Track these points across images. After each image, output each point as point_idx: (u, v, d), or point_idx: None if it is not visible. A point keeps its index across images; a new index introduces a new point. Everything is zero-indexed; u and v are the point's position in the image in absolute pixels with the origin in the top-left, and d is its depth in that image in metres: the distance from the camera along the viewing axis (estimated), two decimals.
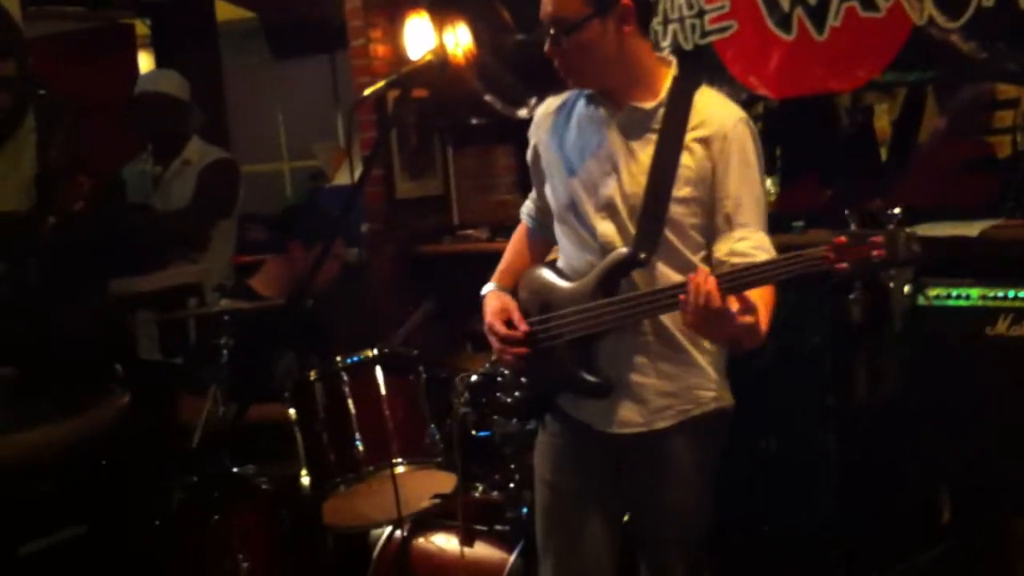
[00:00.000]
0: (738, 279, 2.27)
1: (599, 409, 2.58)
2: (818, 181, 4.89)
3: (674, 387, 2.55)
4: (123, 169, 4.96)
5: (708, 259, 2.51)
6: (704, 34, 4.25)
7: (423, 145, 5.50)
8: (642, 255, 2.45)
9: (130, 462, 3.32)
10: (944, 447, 3.34)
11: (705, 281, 2.23)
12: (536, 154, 2.72)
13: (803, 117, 4.81)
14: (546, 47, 2.49)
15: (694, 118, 2.47)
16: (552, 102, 2.71)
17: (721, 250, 2.46)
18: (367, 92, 2.60)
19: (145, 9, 6.65)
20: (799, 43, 3.98)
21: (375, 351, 3.28)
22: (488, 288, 2.74)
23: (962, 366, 3.28)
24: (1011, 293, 3.19)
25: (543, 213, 2.79)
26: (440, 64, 2.59)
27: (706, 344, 2.56)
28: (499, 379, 2.78)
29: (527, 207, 2.88)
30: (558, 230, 2.67)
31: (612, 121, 2.53)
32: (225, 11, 7.15)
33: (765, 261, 2.32)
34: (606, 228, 2.52)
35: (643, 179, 2.47)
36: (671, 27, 4.30)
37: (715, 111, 2.49)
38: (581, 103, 2.60)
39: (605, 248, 2.52)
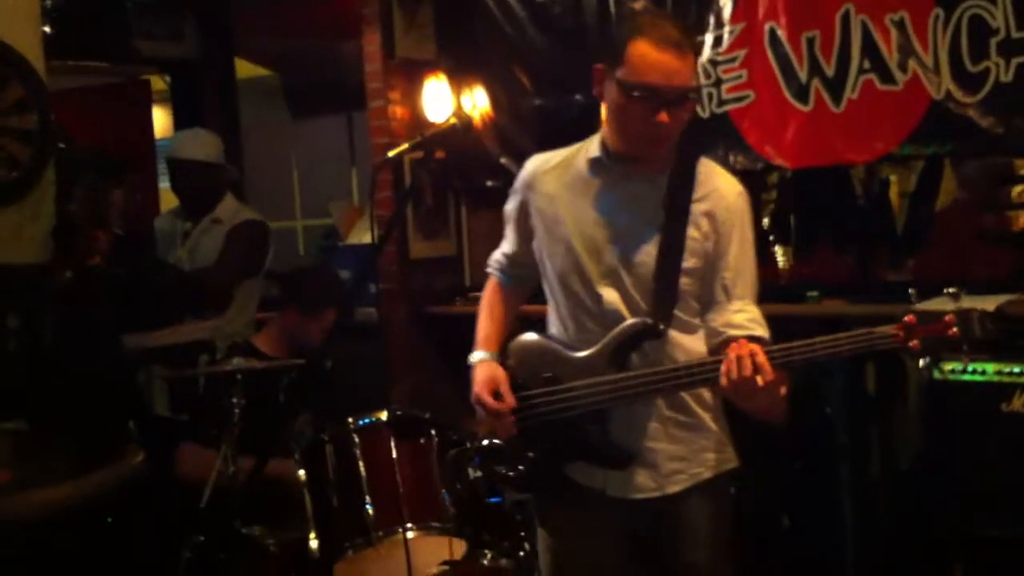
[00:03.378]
0: (796, 354, 2.27)
1: (614, 475, 2.56)
2: (833, 251, 4.90)
3: (685, 451, 2.55)
4: (152, 223, 4.98)
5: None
6: (721, 103, 4.28)
7: (438, 206, 5.52)
8: (660, 326, 2.45)
9: (138, 520, 3.29)
10: (960, 523, 3.31)
11: (748, 354, 2.22)
12: (523, 210, 2.70)
13: (818, 187, 4.82)
14: (660, 115, 2.36)
15: (699, 190, 2.50)
16: (546, 159, 2.67)
17: (718, 320, 2.48)
18: (391, 154, 2.62)
19: (166, 66, 6.72)
20: (816, 114, 4.01)
21: (386, 413, 3.26)
22: (477, 357, 2.70)
23: (977, 442, 3.26)
24: None
25: (516, 266, 2.79)
26: (464, 128, 2.61)
27: (714, 405, 2.56)
28: (502, 452, 2.74)
29: (497, 260, 2.85)
30: (553, 293, 2.65)
31: (618, 188, 2.53)
32: (245, 69, 7.23)
33: (832, 337, 2.28)
34: (611, 295, 2.51)
35: (652, 250, 2.48)
36: None
37: (718, 184, 2.53)
38: (581, 165, 2.58)
39: (609, 315, 2.51)
